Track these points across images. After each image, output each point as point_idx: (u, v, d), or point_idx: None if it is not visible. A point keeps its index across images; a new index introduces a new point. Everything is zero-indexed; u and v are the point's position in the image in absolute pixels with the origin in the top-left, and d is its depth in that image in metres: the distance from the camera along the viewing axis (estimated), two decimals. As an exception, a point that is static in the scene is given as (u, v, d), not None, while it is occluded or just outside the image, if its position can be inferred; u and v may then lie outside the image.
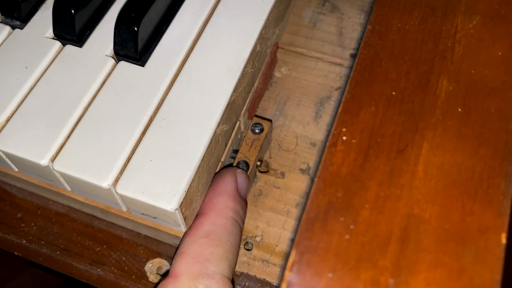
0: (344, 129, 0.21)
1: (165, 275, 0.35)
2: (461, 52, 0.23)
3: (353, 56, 0.42)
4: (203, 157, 0.29)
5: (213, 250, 0.28)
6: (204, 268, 0.27)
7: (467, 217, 0.20)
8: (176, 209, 0.27)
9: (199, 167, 0.28)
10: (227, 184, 0.32)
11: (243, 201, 0.33)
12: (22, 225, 0.37)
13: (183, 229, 0.30)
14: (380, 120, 0.22)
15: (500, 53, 0.23)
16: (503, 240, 0.19)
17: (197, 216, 0.31)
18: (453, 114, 0.22)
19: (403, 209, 0.20)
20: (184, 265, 0.28)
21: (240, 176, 0.33)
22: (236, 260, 0.31)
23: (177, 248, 0.30)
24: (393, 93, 0.22)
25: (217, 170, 0.34)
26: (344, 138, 0.21)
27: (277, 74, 0.42)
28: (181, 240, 0.30)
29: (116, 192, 0.28)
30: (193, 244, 0.28)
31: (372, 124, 0.22)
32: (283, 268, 0.35)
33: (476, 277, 0.18)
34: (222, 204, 0.30)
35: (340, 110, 0.22)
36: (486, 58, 0.23)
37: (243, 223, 0.33)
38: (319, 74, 0.42)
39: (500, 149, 0.21)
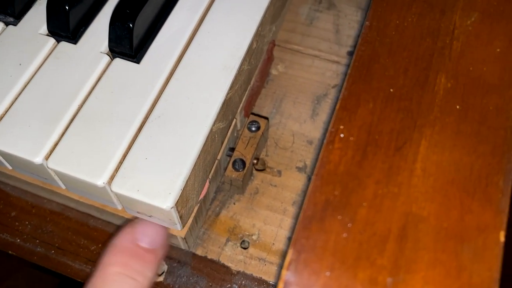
0: (341, 127, 0.21)
1: (160, 274, 0.34)
2: (460, 49, 0.23)
3: (350, 53, 0.42)
4: (199, 155, 0.28)
5: None
6: None
7: (466, 215, 0.19)
8: (172, 207, 0.27)
9: (195, 165, 0.28)
10: (118, 239, 0.30)
11: (152, 254, 0.30)
12: (17, 223, 0.36)
13: (179, 227, 0.30)
14: (378, 117, 0.21)
15: (498, 50, 0.23)
16: (502, 238, 0.19)
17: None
18: (452, 111, 0.22)
19: (401, 207, 0.20)
20: None
21: (149, 227, 0.30)
22: None
23: None
24: (391, 90, 0.22)
25: (213, 168, 0.34)
26: (342, 135, 0.21)
27: (273, 71, 0.42)
28: None
29: (111, 190, 0.27)
30: None
31: (370, 121, 0.21)
32: (280, 267, 0.34)
33: (475, 275, 0.18)
34: (107, 260, 0.29)
35: (337, 107, 0.21)
36: (484, 55, 0.23)
37: (152, 272, 0.30)
38: (316, 72, 0.42)
39: (499, 146, 0.21)
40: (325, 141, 0.21)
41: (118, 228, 0.35)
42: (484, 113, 0.22)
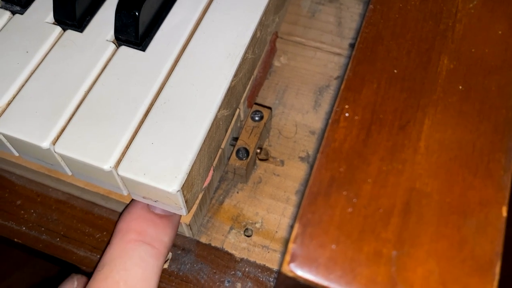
0: (346, 106, 0.22)
1: (165, 261, 0.35)
2: (462, 31, 0.24)
3: (352, 45, 0.43)
4: (204, 140, 0.29)
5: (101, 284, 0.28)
6: None
7: (468, 191, 0.20)
8: (178, 191, 0.27)
9: (200, 150, 0.28)
10: (132, 207, 0.31)
11: (166, 219, 0.31)
12: (22, 212, 0.37)
13: (184, 212, 0.30)
14: (382, 97, 0.22)
15: (500, 32, 0.23)
16: (504, 213, 0.19)
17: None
18: (454, 91, 0.22)
19: (405, 183, 0.20)
20: None
21: None
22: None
23: None
24: (395, 71, 0.22)
25: (217, 156, 0.34)
26: (347, 114, 0.21)
27: (276, 63, 0.43)
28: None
29: (118, 174, 0.28)
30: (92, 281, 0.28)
31: (374, 101, 0.22)
32: (283, 254, 0.35)
33: (477, 248, 0.19)
34: (123, 227, 0.30)
35: (342, 87, 0.22)
36: (486, 37, 0.23)
37: (168, 237, 0.31)
38: (318, 64, 0.42)
39: (500, 125, 0.21)
40: (330, 120, 0.21)
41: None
42: (486, 93, 0.22)
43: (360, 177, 0.20)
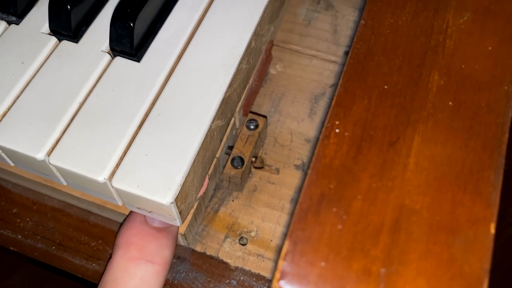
0: (337, 122, 0.22)
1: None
2: (452, 47, 0.24)
3: (347, 53, 0.43)
4: (198, 152, 0.29)
5: None
6: None
7: (457, 208, 0.20)
8: (171, 203, 0.27)
9: (194, 161, 0.29)
10: (131, 222, 0.31)
11: (165, 232, 0.31)
12: (18, 220, 0.37)
13: (179, 223, 0.30)
14: (373, 113, 0.22)
15: (490, 48, 0.24)
16: (492, 230, 0.19)
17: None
18: (444, 107, 0.22)
19: (394, 201, 0.20)
20: None
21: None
22: None
23: None
24: (386, 87, 0.23)
25: (212, 165, 0.34)
26: (337, 130, 0.21)
27: (272, 71, 0.43)
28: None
29: (112, 186, 0.28)
30: None
31: (365, 117, 0.22)
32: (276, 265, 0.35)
33: (466, 266, 0.19)
34: (124, 242, 0.30)
35: (333, 103, 0.22)
36: (476, 53, 0.24)
37: (169, 250, 0.31)
38: (314, 71, 0.43)
39: (490, 142, 0.21)
40: (320, 136, 0.21)
41: (119, 225, 0.36)
42: (475, 110, 0.22)
43: (350, 194, 0.20)
